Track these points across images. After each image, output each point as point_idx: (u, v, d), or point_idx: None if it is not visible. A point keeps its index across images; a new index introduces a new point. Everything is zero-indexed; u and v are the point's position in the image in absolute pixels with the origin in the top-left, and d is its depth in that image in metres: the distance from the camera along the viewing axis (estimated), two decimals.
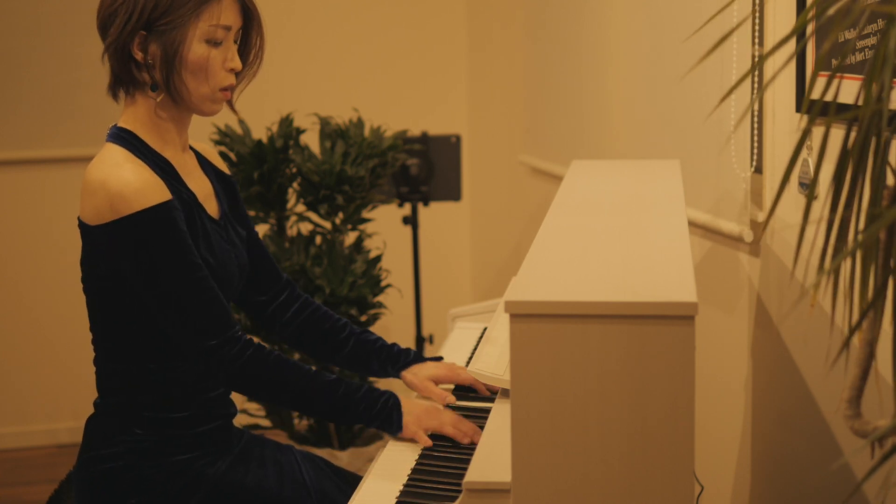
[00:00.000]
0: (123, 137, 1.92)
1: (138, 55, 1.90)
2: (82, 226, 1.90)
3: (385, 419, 1.94)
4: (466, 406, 2.10)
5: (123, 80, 1.94)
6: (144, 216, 1.83)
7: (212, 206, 2.03)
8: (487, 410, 1.98)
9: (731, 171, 2.46)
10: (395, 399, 1.96)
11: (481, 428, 1.89)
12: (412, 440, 1.96)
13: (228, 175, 2.15)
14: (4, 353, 4.45)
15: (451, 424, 1.95)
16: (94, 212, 1.86)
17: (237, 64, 1.95)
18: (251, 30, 2.00)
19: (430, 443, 1.93)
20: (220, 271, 1.96)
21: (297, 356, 3.49)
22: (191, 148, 2.08)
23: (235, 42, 1.97)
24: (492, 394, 2.14)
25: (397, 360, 2.17)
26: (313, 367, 1.96)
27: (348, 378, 1.97)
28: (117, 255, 1.87)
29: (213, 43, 1.91)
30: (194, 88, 1.91)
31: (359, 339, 2.19)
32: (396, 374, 2.18)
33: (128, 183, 1.83)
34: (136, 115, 1.95)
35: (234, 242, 2.05)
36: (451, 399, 2.10)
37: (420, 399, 2.11)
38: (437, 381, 2.14)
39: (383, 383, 3.85)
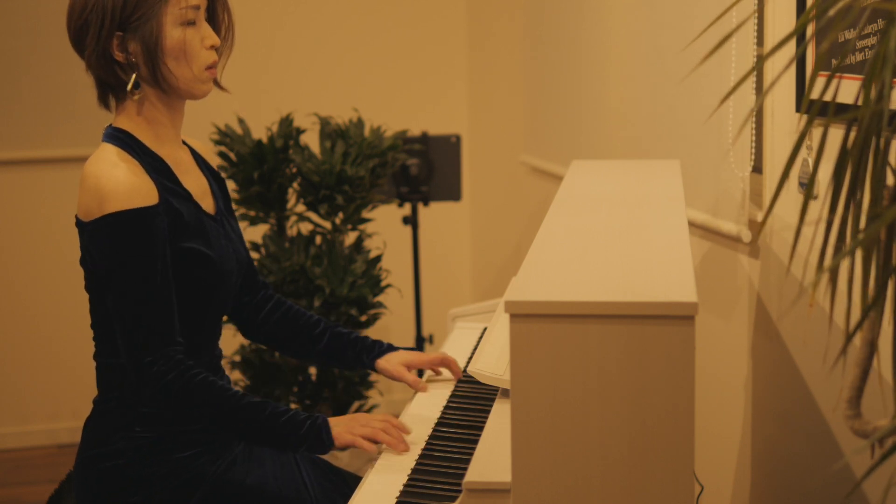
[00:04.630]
0: (119, 137, 1.95)
1: (119, 56, 1.93)
2: (78, 222, 1.93)
3: (314, 439, 1.90)
4: (463, 397, 2.10)
5: (111, 85, 1.96)
6: (122, 217, 1.85)
7: (208, 203, 2.05)
8: (480, 406, 1.99)
9: (730, 171, 2.46)
10: (322, 419, 1.92)
11: (481, 424, 1.89)
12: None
13: (219, 173, 2.18)
14: (4, 353, 4.45)
15: (382, 430, 1.93)
16: (85, 208, 1.89)
17: (215, 39, 1.98)
18: (216, 6, 2.03)
19: (374, 449, 1.91)
20: (219, 266, 1.97)
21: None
22: (185, 144, 2.10)
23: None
24: (465, 375, 2.18)
25: (371, 349, 2.22)
26: (240, 391, 1.94)
27: (276, 402, 1.96)
28: (98, 252, 1.88)
29: (187, 24, 1.94)
30: (180, 74, 1.94)
31: (333, 332, 2.23)
32: (371, 364, 2.21)
33: (118, 182, 1.86)
34: (129, 115, 1.97)
35: (231, 238, 2.07)
36: (424, 387, 2.15)
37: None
38: (408, 366, 2.19)
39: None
